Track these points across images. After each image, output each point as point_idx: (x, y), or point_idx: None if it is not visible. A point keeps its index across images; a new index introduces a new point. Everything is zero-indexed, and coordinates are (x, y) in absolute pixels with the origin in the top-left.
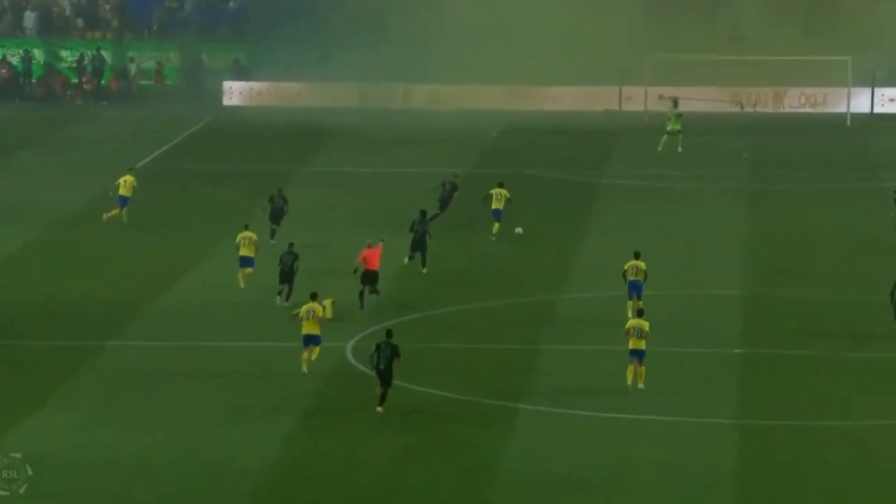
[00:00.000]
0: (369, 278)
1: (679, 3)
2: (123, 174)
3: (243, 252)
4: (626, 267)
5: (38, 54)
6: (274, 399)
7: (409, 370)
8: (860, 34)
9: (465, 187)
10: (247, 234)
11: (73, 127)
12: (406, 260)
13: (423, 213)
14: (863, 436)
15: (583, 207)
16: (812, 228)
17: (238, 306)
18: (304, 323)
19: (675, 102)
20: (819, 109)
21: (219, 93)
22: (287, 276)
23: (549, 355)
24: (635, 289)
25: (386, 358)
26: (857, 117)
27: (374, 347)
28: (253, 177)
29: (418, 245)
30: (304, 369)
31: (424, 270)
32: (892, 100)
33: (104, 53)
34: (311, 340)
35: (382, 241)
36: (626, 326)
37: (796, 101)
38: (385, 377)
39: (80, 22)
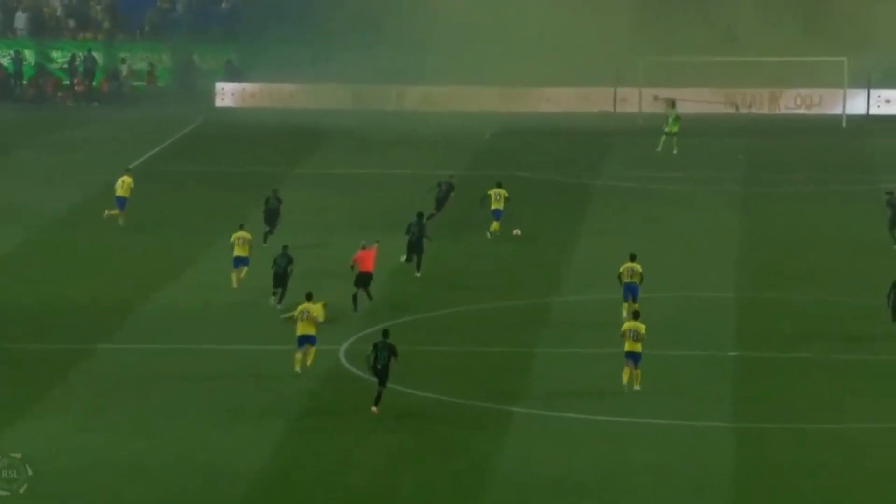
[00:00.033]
0: (363, 280)
1: (674, 4)
2: (121, 175)
3: (237, 252)
4: (621, 269)
5: (29, 55)
6: (267, 402)
7: (403, 373)
8: (856, 35)
9: (460, 189)
10: (241, 234)
11: (64, 128)
12: (403, 260)
13: (420, 215)
14: (858, 439)
15: (577, 209)
16: (808, 230)
17: (231, 308)
18: (299, 323)
19: (673, 104)
20: (815, 111)
21: (211, 94)
22: (281, 278)
23: (544, 358)
24: (631, 291)
25: (383, 358)
26: (853, 119)
27: (371, 348)
28: (246, 178)
29: (414, 248)
30: (297, 369)
31: (418, 274)
32: (888, 101)
33: (95, 54)
34: (305, 340)
35: (377, 242)
36: (622, 329)
37: (792, 102)
38: (382, 377)
39: (71, 23)
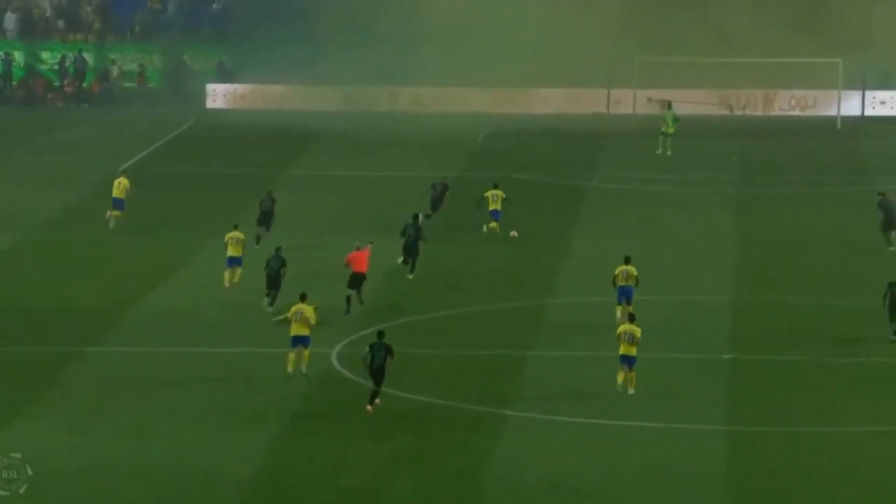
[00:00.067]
0: (356, 281)
1: (668, 5)
2: (117, 177)
3: (231, 252)
4: (616, 272)
5: (19, 56)
6: (260, 404)
7: (397, 376)
8: (851, 36)
9: (452, 191)
10: (235, 234)
11: (54, 130)
12: (400, 262)
13: (416, 216)
14: (852, 442)
15: (571, 211)
16: (802, 232)
17: (224, 310)
18: (293, 324)
19: (669, 105)
20: (809, 112)
21: (202, 95)
22: (274, 280)
23: (538, 361)
24: (625, 294)
25: (380, 357)
26: (848, 120)
27: (367, 348)
28: (237, 180)
29: (410, 250)
30: (289, 370)
31: (410, 276)
32: (882, 102)
33: (86, 55)
34: (299, 341)
35: (370, 243)
36: (618, 331)
37: (786, 103)
38: (378, 376)
39: (60, 24)
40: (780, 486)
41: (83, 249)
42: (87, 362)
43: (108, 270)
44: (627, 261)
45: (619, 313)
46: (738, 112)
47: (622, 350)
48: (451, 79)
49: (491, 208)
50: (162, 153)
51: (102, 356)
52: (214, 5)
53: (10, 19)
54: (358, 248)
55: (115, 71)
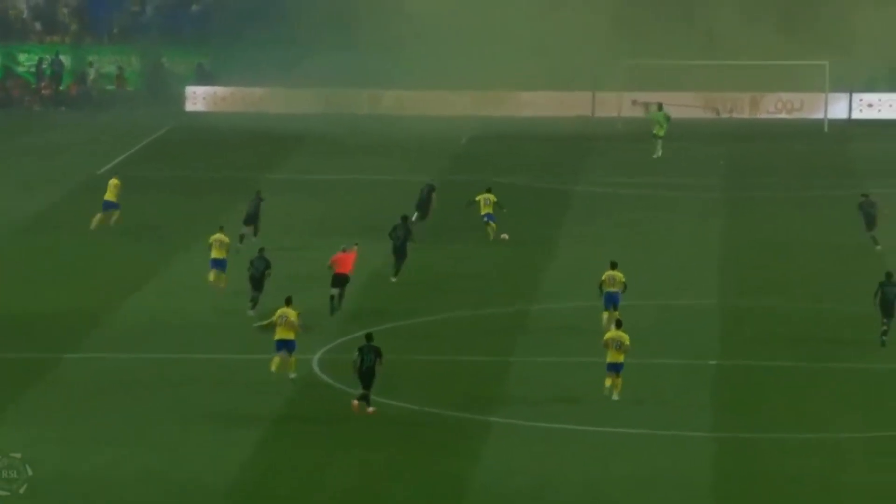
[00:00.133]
0: (339, 281)
1: (653, 7)
2: (110, 178)
3: (214, 254)
4: (603, 277)
5: None
6: (242, 410)
7: (382, 381)
8: (838, 39)
9: (437, 194)
10: (219, 236)
11: (30, 133)
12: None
13: (405, 218)
14: (840, 448)
15: (556, 215)
16: (790, 236)
17: (205, 314)
18: (278, 328)
19: (660, 106)
20: (796, 115)
21: (181, 98)
22: (258, 282)
23: (523, 367)
24: (612, 300)
25: (369, 360)
26: (835, 123)
27: (356, 352)
28: (217, 184)
29: (398, 252)
30: (273, 369)
31: (394, 279)
32: (870, 105)
33: (63, 58)
34: (284, 346)
35: (356, 245)
36: (605, 338)
37: (773, 106)
38: (368, 379)
39: (38, 26)
40: (767, 492)
41: (61, 254)
42: (67, 368)
43: (87, 275)
44: (614, 266)
45: (605, 319)
46: (724, 115)
47: (610, 357)
48: (433, 81)
49: (482, 213)
50: (141, 156)
51: (82, 362)
52: (194, 7)
53: None
54: (344, 250)
55: (92, 73)
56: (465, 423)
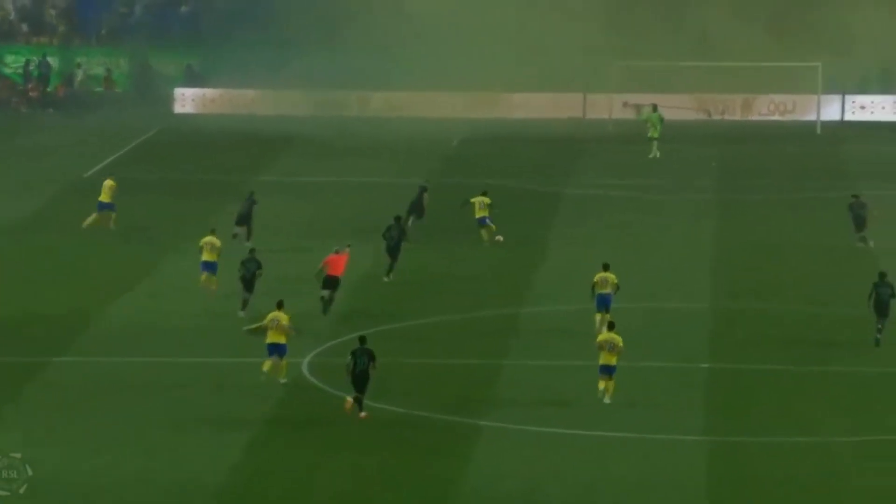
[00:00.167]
0: (330, 283)
1: (645, 9)
2: (104, 179)
3: (205, 257)
4: (595, 279)
5: None
6: (231, 415)
7: (373, 385)
8: (831, 41)
9: (428, 195)
10: (210, 239)
11: (17, 135)
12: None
13: (398, 218)
14: (832, 451)
15: (548, 217)
16: (782, 238)
17: (194, 317)
18: (270, 332)
19: (655, 107)
20: (788, 117)
21: (170, 100)
22: (249, 283)
23: (514, 370)
24: (604, 302)
25: (362, 363)
26: (828, 125)
27: (349, 355)
28: (206, 186)
29: (391, 252)
30: (264, 369)
31: (385, 279)
32: (862, 107)
33: (50, 59)
34: (275, 350)
35: (348, 246)
36: (598, 340)
37: (765, 108)
38: (360, 382)
39: (25, 27)
40: (758, 496)
41: (50, 256)
42: (55, 372)
43: (76, 277)
44: (606, 268)
45: (598, 321)
46: (716, 117)
47: (602, 359)
48: (423, 83)
49: (477, 216)
50: (130, 158)
51: (70, 366)
52: (182, 8)
53: None
54: (337, 252)
55: (80, 75)
56: (457, 427)
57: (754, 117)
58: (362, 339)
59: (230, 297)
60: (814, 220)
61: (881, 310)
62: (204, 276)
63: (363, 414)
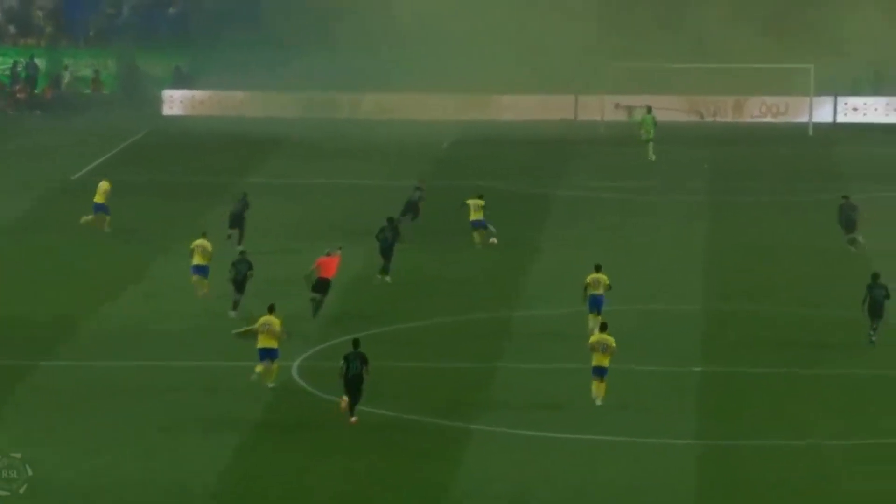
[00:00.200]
0: (321, 286)
1: (637, 10)
2: (99, 181)
3: (196, 261)
4: (587, 280)
5: None
6: (222, 418)
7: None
8: (823, 42)
9: (420, 195)
10: (201, 242)
11: (4, 137)
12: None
13: (391, 219)
14: (824, 455)
15: (539, 219)
16: (774, 240)
17: (184, 320)
18: (261, 336)
19: (649, 109)
20: (781, 119)
21: (158, 101)
22: (241, 284)
23: (505, 373)
24: (596, 303)
25: (355, 367)
26: (820, 127)
27: (342, 359)
28: (195, 188)
29: (385, 253)
30: (258, 370)
31: (387, 279)
32: (855, 109)
33: (38, 61)
34: (267, 354)
35: (339, 248)
36: (591, 341)
37: (758, 110)
38: (353, 386)
39: (12, 28)
40: (751, 499)
41: (38, 259)
42: (44, 375)
43: (64, 279)
44: (598, 269)
45: (590, 322)
46: (708, 119)
47: (595, 361)
48: (414, 85)
49: (472, 218)
50: (118, 160)
51: (59, 369)
52: (171, 9)
53: None
54: (328, 254)
55: (67, 76)
56: (448, 430)
57: (746, 119)
58: (355, 343)
59: (221, 300)
60: (806, 222)
61: (876, 311)
62: (195, 279)
63: (354, 419)
